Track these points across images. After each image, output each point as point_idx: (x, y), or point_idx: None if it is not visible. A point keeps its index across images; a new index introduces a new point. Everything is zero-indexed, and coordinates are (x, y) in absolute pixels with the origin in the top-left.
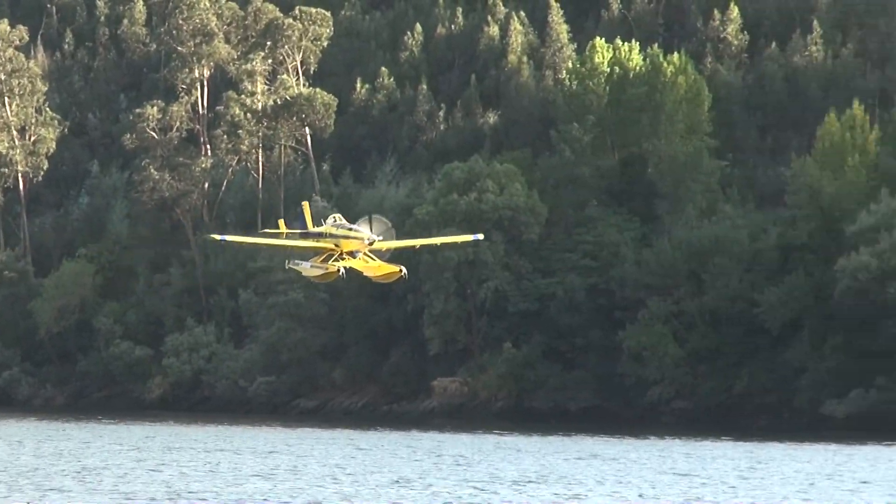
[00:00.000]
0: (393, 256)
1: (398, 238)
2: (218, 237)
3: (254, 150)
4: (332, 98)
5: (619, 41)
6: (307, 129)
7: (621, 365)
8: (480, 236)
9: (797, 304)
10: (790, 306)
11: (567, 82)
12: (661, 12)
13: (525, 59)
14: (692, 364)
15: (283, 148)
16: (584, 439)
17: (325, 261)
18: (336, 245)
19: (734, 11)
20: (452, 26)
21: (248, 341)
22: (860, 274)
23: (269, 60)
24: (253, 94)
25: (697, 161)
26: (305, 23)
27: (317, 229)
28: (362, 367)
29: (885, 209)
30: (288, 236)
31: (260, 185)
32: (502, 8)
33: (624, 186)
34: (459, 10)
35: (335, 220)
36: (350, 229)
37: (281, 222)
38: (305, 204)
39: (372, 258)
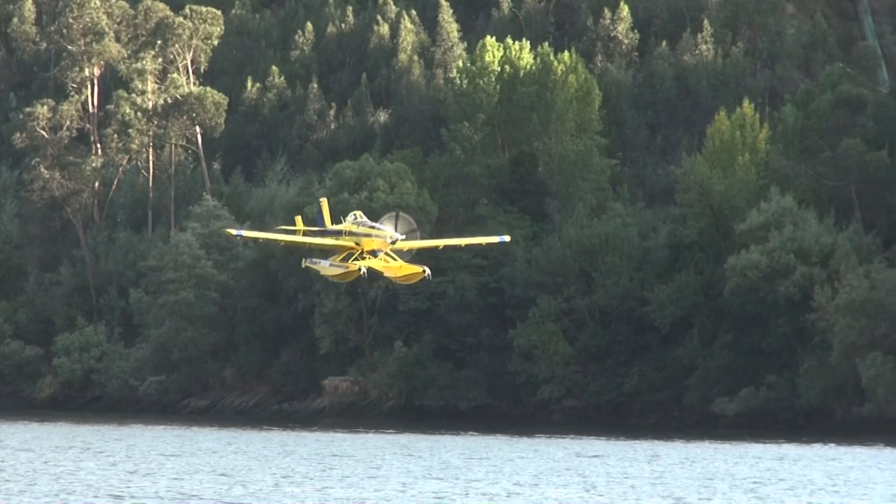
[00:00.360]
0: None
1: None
2: (234, 232)
3: (144, 149)
4: (223, 97)
5: (509, 40)
6: (198, 128)
7: (511, 363)
8: (507, 238)
9: (687, 303)
10: (680, 304)
11: (457, 81)
12: (552, 11)
13: (416, 57)
14: (582, 362)
15: (173, 147)
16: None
17: (345, 260)
18: (357, 244)
19: (624, 10)
20: (343, 25)
21: (139, 340)
22: (750, 272)
23: (160, 59)
24: (143, 92)
25: (588, 159)
26: (196, 21)
27: (336, 227)
28: (253, 367)
29: (775, 207)
30: (305, 234)
31: (150, 184)
32: (393, 7)
33: (514, 185)
34: (350, 9)
35: (356, 218)
36: (372, 227)
37: (298, 219)
38: (324, 201)
39: (394, 258)
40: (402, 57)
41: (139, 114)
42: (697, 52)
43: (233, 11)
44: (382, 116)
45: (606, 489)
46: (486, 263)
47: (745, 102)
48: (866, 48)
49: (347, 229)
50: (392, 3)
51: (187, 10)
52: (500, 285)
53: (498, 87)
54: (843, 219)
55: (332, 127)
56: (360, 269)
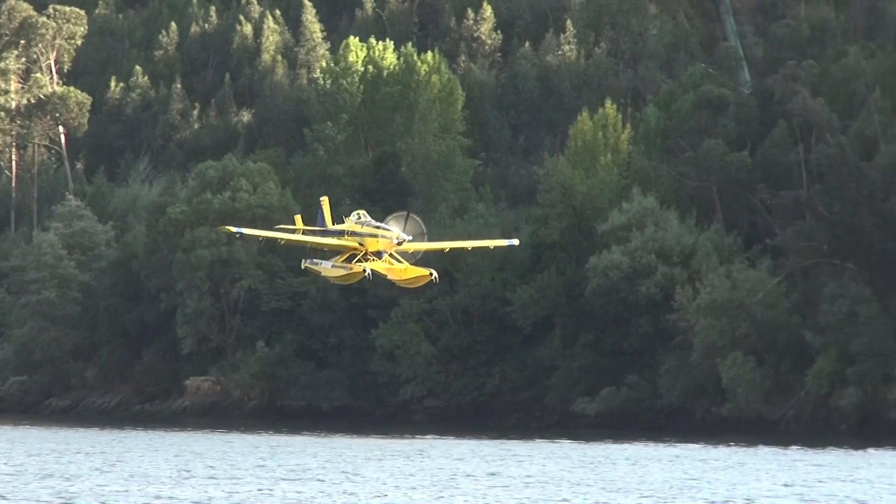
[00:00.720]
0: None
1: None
2: (234, 229)
3: (7, 149)
4: (86, 97)
5: (372, 40)
6: (61, 127)
7: (373, 363)
8: (516, 242)
9: (549, 303)
10: (542, 304)
11: (321, 81)
12: (415, 11)
13: (279, 58)
14: (444, 362)
15: (36, 147)
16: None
17: (348, 261)
18: (360, 244)
19: (487, 11)
20: (206, 25)
21: (1, 340)
22: (611, 272)
23: (23, 59)
24: (6, 92)
25: (450, 160)
26: (59, 21)
27: (338, 227)
28: (115, 367)
29: (637, 208)
30: (305, 233)
31: (13, 184)
32: (257, 7)
33: (377, 185)
34: (213, 9)
35: (359, 217)
36: (378, 227)
37: (297, 218)
38: (324, 200)
39: (399, 260)
40: (266, 57)
41: (2, 113)
42: (560, 52)
43: (96, 11)
44: (246, 116)
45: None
46: None
47: (608, 103)
48: (728, 49)
49: (350, 229)
50: (256, 3)
51: (51, 10)
52: (362, 285)
53: (361, 87)
54: (704, 219)
55: (196, 127)
56: (364, 271)
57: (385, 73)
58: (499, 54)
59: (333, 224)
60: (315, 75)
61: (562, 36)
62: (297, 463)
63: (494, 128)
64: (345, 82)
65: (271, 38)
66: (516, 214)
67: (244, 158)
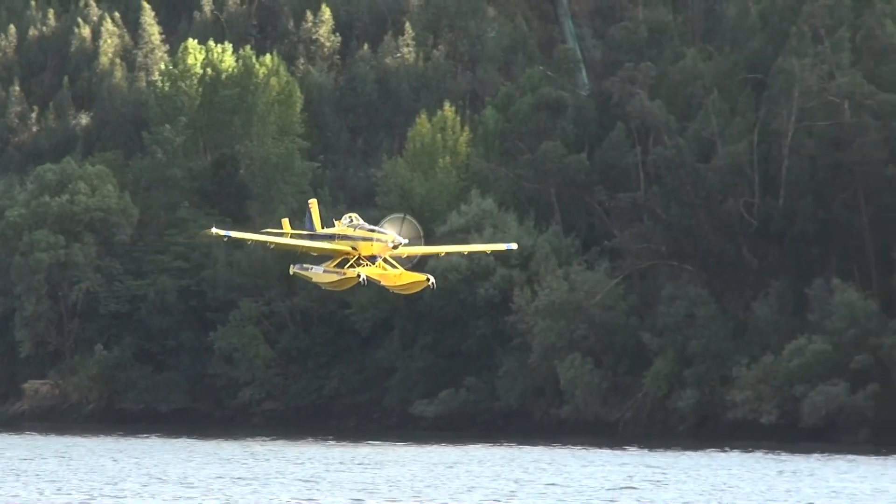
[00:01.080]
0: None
1: None
2: (222, 233)
3: None
4: None
5: (211, 43)
6: None
7: (212, 366)
8: (514, 246)
9: (387, 305)
10: (380, 307)
11: (159, 84)
12: (254, 14)
13: (118, 60)
14: (283, 365)
15: None
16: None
17: (340, 266)
18: (353, 248)
19: (326, 13)
20: (45, 28)
21: None
22: (450, 274)
23: None
24: None
25: (289, 162)
26: None
27: (328, 230)
28: None
29: (475, 210)
30: (294, 237)
31: None
32: (95, 9)
33: (216, 188)
34: (52, 11)
35: (351, 220)
36: (372, 230)
37: (285, 222)
38: (313, 202)
39: (393, 265)
40: (104, 59)
41: None
42: (399, 54)
43: None
44: (84, 119)
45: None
46: (187, 266)
47: (446, 105)
48: (566, 51)
49: (341, 233)
50: (94, 5)
51: None
52: (201, 288)
53: (200, 89)
54: (542, 221)
55: (34, 130)
56: (358, 276)
57: (223, 75)
58: (337, 56)
59: (323, 227)
60: (153, 78)
61: (400, 38)
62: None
63: (333, 130)
64: (183, 85)
65: (109, 41)
66: None
67: (83, 161)
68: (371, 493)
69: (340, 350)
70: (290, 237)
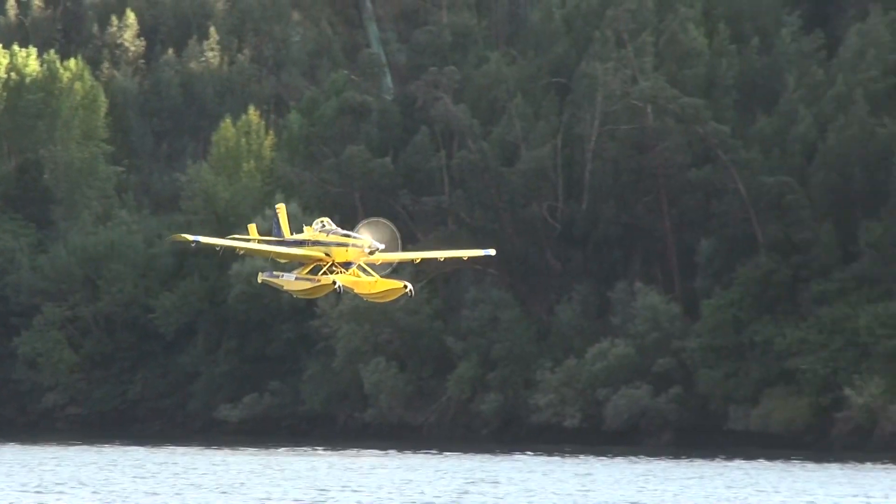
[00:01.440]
0: None
1: None
2: (191, 238)
3: None
4: None
5: (15, 47)
6: None
7: (16, 371)
8: (492, 252)
9: (191, 309)
10: (184, 311)
11: None
12: (59, 18)
13: None
14: (87, 370)
15: None
16: None
17: (314, 272)
18: (327, 254)
19: (131, 17)
20: None
21: None
22: (254, 279)
23: None
24: None
25: (93, 167)
26: None
27: (298, 236)
28: None
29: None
30: (262, 243)
31: None
32: None
33: (20, 192)
34: None
35: (323, 225)
36: (346, 235)
37: (252, 227)
38: (280, 207)
39: (368, 271)
40: None
41: None
42: (204, 59)
43: None
44: None
45: None
46: None
47: (251, 109)
48: (371, 55)
49: (313, 238)
50: None
51: None
52: (4, 293)
53: (4, 94)
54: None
55: None
56: (333, 283)
57: (28, 80)
58: (142, 61)
59: (291, 233)
60: None
61: (205, 42)
62: None
63: (137, 134)
64: None
65: None
66: (159, 221)
67: None
68: None
69: (144, 354)
70: (259, 243)
